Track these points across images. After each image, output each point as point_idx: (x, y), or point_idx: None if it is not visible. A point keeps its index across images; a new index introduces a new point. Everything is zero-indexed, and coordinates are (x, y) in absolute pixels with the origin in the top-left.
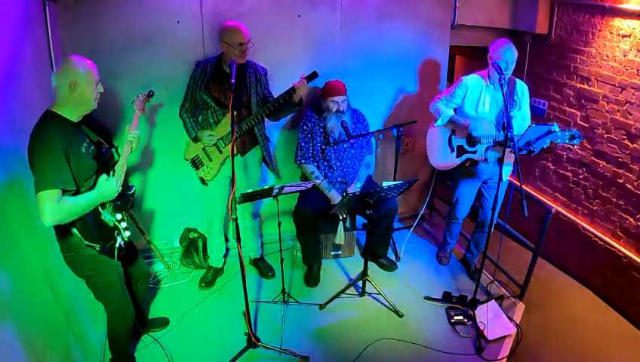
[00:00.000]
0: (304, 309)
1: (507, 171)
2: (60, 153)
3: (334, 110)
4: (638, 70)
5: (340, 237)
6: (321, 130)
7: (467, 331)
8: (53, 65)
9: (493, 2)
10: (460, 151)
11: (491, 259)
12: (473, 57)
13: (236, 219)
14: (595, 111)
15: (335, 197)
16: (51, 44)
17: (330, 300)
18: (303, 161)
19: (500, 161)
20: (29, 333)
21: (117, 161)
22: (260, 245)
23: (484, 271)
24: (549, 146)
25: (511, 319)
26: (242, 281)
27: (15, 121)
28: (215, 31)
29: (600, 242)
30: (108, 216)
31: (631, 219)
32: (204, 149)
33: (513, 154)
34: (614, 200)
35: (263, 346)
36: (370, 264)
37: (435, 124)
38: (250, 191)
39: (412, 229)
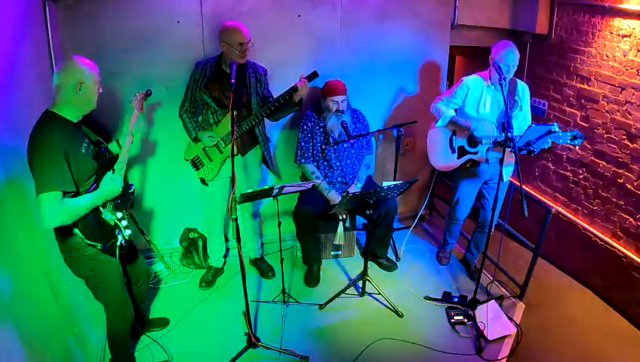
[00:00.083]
0: (304, 309)
1: (508, 172)
2: (60, 154)
3: (334, 110)
4: (638, 70)
5: (340, 237)
6: (321, 129)
7: (467, 331)
8: (53, 65)
9: (493, 2)
10: (461, 151)
11: (491, 259)
12: (473, 57)
13: (236, 219)
14: (595, 111)
15: (334, 198)
16: (51, 44)
17: (330, 300)
18: (303, 161)
19: (501, 162)
20: (29, 333)
21: (117, 155)
22: (260, 245)
23: (484, 271)
24: (550, 146)
25: (511, 319)
26: (242, 281)
27: (15, 120)
28: (215, 31)
29: (600, 242)
30: (109, 215)
31: (631, 219)
32: (204, 149)
33: (513, 155)
34: (614, 200)
35: (263, 346)
36: (370, 264)
37: (436, 125)
38: (250, 191)
39: (411, 229)
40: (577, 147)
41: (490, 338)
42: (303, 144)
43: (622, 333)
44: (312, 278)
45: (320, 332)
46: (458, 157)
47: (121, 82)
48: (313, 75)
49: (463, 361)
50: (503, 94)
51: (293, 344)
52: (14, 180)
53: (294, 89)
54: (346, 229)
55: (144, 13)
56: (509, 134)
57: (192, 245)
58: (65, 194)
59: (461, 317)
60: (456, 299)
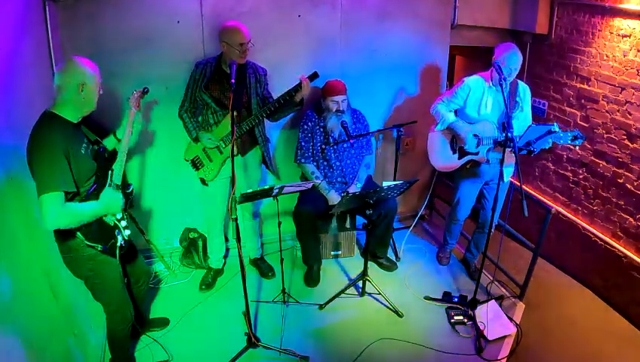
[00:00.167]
0: (304, 309)
1: (509, 172)
2: (61, 155)
3: (334, 110)
4: (638, 70)
5: (333, 230)
6: (322, 129)
7: (467, 331)
8: (53, 65)
9: (493, 2)
10: (462, 152)
11: (491, 259)
12: (473, 57)
13: (236, 219)
14: (595, 111)
15: (334, 198)
16: (51, 44)
17: (330, 300)
18: (303, 161)
19: (502, 162)
20: (29, 333)
21: (114, 150)
22: (260, 245)
23: (484, 271)
24: (550, 146)
25: (511, 319)
26: (242, 281)
27: (15, 120)
28: (215, 31)
29: (600, 242)
30: (108, 216)
31: (631, 219)
32: (204, 150)
33: (513, 155)
34: (614, 200)
35: (263, 346)
36: (370, 264)
37: (435, 128)
38: (250, 191)
39: (411, 229)
40: (578, 147)
41: (490, 338)
42: (303, 144)
43: (622, 333)
44: (312, 278)
45: (320, 332)
46: (459, 158)
47: (121, 82)
48: (313, 76)
49: (463, 361)
50: (504, 95)
51: (293, 344)
52: (14, 180)
53: (299, 86)
54: (346, 229)
55: (144, 14)
56: (509, 134)
57: (192, 245)
58: (67, 194)
59: (461, 317)
60: (456, 299)
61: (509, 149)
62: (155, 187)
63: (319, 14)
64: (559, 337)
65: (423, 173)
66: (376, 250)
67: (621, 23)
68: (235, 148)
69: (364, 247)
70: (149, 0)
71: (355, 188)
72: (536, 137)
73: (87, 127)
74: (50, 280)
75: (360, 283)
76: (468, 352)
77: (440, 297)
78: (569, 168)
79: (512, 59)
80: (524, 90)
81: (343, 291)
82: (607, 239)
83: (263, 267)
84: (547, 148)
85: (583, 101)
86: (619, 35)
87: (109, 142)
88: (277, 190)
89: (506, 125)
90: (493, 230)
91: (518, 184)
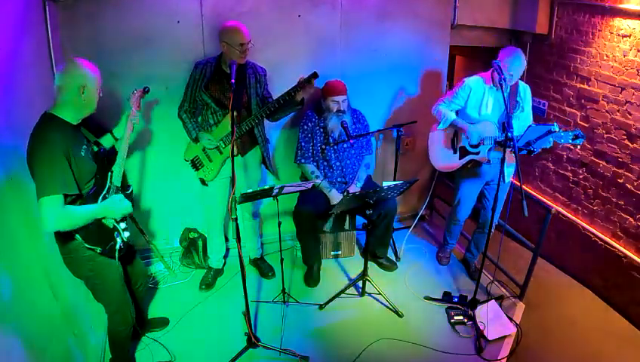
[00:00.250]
0: (304, 309)
1: (509, 173)
2: (62, 157)
3: (335, 110)
4: (638, 70)
5: (329, 225)
6: (322, 130)
7: (467, 331)
8: (54, 65)
9: (493, 2)
10: (463, 152)
11: (491, 259)
12: (473, 57)
13: (236, 219)
14: (595, 111)
15: (335, 197)
16: (51, 44)
17: (330, 300)
18: (303, 161)
19: (502, 162)
20: (29, 333)
21: (112, 149)
22: (260, 245)
23: (484, 271)
24: (551, 146)
25: (511, 319)
26: (242, 281)
27: (15, 120)
28: (215, 31)
29: (600, 242)
30: (107, 218)
31: (631, 219)
32: (203, 150)
33: (513, 155)
34: (614, 200)
35: (263, 346)
36: (370, 264)
37: (438, 128)
38: (250, 191)
39: (411, 229)
40: (579, 147)
41: (490, 338)
42: (303, 144)
43: (622, 333)
44: (312, 278)
45: (320, 332)
46: (460, 158)
47: (121, 82)
48: (313, 76)
49: (463, 361)
50: (503, 95)
51: (293, 344)
52: (14, 180)
53: (299, 87)
54: (346, 229)
55: (144, 14)
56: (508, 134)
57: (192, 245)
58: (66, 197)
59: (461, 317)
60: (456, 299)
61: (509, 149)
62: (155, 187)
63: (319, 14)
64: (559, 337)
65: (422, 173)
66: (376, 250)
67: (621, 23)
68: (234, 149)
69: (364, 247)
70: (149, 0)
71: (355, 188)
72: (536, 137)
73: (86, 128)
74: (50, 280)
75: (360, 283)
76: (468, 352)
77: (440, 297)
78: (569, 168)
79: (514, 64)
80: (524, 90)
81: (343, 291)
82: (607, 239)
83: (263, 267)
84: (548, 147)
85: (583, 101)
86: (619, 35)
87: (106, 141)
88: (277, 190)
89: (506, 125)
90: (493, 230)
91: (518, 184)
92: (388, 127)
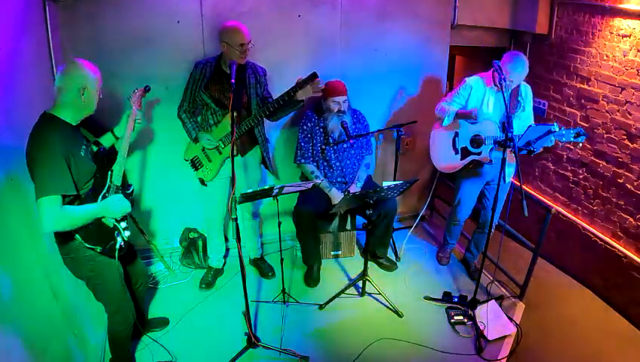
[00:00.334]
0: (304, 309)
1: (510, 173)
2: (61, 158)
3: (335, 110)
4: (638, 70)
5: (335, 226)
6: (321, 130)
7: (467, 331)
8: (54, 65)
9: (493, 2)
10: (464, 152)
11: (491, 259)
12: (473, 57)
13: (236, 219)
14: (595, 111)
15: (336, 195)
16: (51, 44)
17: (330, 300)
18: (302, 161)
19: (504, 162)
20: (29, 333)
21: (112, 149)
22: (259, 245)
23: (484, 271)
24: (552, 145)
25: (511, 319)
26: (242, 281)
27: (15, 120)
28: (215, 31)
29: (600, 242)
30: (107, 217)
31: (631, 219)
32: (203, 150)
33: (513, 154)
34: (614, 200)
35: (263, 346)
36: (370, 264)
37: (443, 124)
38: (250, 191)
39: (411, 230)
40: (581, 144)
41: (490, 338)
42: (302, 144)
43: (622, 333)
44: (312, 278)
45: (320, 332)
46: (461, 159)
47: (122, 82)
48: (312, 77)
49: (463, 361)
50: (503, 95)
51: (293, 344)
52: (14, 180)
53: (298, 87)
54: (346, 229)
55: (144, 14)
56: (508, 134)
57: (192, 245)
58: (65, 197)
59: (461, 317)
60: (456, 299)
61: (509, 149)
62: (155, 187)
63: (319, 14)
64: (559, 337)
65: (422, 173)
66: (376, 250)
67: (621, 23)
68: (234, 149)
69: (364, 247)
70: (149, 0)
71: (355, 188)
72: (536, 137)
73: (86, 128)
74: (50, 280)
75: (360, 283)
76: (468, 352)
77: (440, 297)
78: (569, 168)
79: (515, 71)
80: (525, 89)
81: (343, 291)
82: (607, 239)
83: (263, 267)
84: (550, 146)
85: (583, 101)
86: (619, 35)
87: (107, 140)
88: (277, 190)
89: (506, 125)
90: (493, 230)
91: (518, 184)
92: (388, 127)
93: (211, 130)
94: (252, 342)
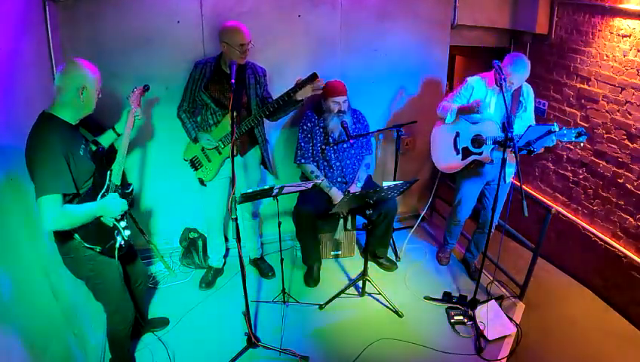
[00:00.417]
0: (304, 309)
1: (510, 173)
2: (61, 157)
3: (336, 110)
4: (638, 70)
5: (340, 233)
6: (321, 130)
7: (467, 331)
8: (54, 65)
9: (493, 2)
10: (465, 153)
11: (491, 259)
12: (473, 57)
13: (236, 219)
14: (595, 111)
15: (336, 195)
16: (51, 44)
17: (330, 300)
18: (302, 161)
19: (504, 162)
20: (29, 333)
21: (111, 148)
22: (259, 245)
23: (484, 271)
24: (554, 144)
25: (511, 319)
26: (242, 281)
27: (15, 120)
28: (215, 31)
29: (600, 242)
30: (106, 217)
31: (631, 219)
32: (202, 150)
33: (513, 154)
34: (614, 200)
35: (263, 346)
36: (370, 264)
37: (446, 121)
38: (250, 191)
39: (412, 231)
40: (582, 144)
41: (490, 338)
42: (302, 144)
43: (622, 333)
44: (312, 278)
45: (320, 332)
46: (462, 159)
47: (122, 82)
48: (312, 77)
49: (463, 361)
50: (503, 95)
51: (293, 344)
52: (14, 180)
53: (298, 88)
54: (346, 229)
55: (144, 14)
56: (509, 134)
57: (192, 245)
58: (65, 196)
59: (461, 317)
60: (456, 299)
61: (510, 149)
62: (155, 187)
63: (319, 14)
64: (559, 337)
65: (422, 173)
66: (376, 250)
67: (621, 23)
68: (234, 149)
69: (364, 247)
70: (149, 0)
71: (355, 187)
72: (536, 137)
73: (86, 127)
74: (50, 280)
75: (360, 283)
76: (468, 352)
77: (440, 297)
78: (569, 168)
79: (516, 72)
80: (527, 90)
81: (343, 291)
82: (607, 239)
83: (263, 267)
84: (551, 146)
85: (583, 101)
86: (619, 35)
87: (107, 138)
88: (277, 190)
89: (506, 125)
90: (493, 230)
91: (518, 184)
92: (388, 127)
93: (211, 130)
94: (252, 342)
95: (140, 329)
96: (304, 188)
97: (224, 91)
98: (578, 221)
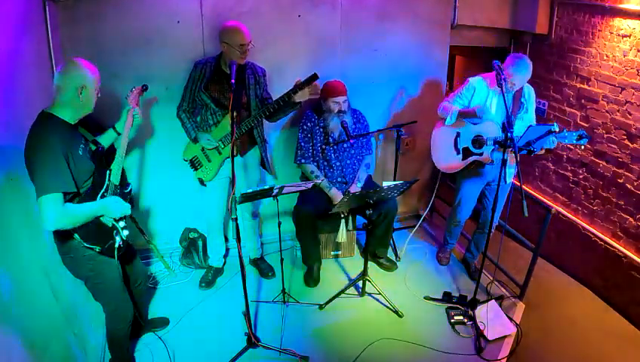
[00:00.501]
0: (304, 309)
1: (511, 173)
2: (60, 156)
3: (336, 110)
4: (638, 70)
5: (342, 235)
6: (321, 129)
7: (467, 331)
8: (54, 65)
9: (493, 2)
10: (466, 153)
11: (491, 259)
12: (473, 57)
13: (236, 219)
14: (595, 111)
15: (336, 195)
16: (51, 44)
17: (330, 300)
18: (302, 161)
19: (504, 162)
20: (29, 333)
21: (110, 148)
22: (259, 245)
23: (484, 271)
24: (554, 147)
25: (511, 319)
26: (242, 281)
27: (15, 120)
28: (215, 31)
29: (600, 242)
30: (105, 216)
31: (631, 219)
32: (202, 150)
33: (513, 155)
34: (614, 200)
35: (263, 346)
36: (370, 264)
37: (446, 123)
38: (250, 191)
39: (414, 231)
40: (583, 147)
41: (490, 338)
42: (302, 144)
43: (622, 333)
44: (312, 278)
45: (320, 332)
46: (463, 159)
47: (122, 82)
48: (313, 78)
49: (463, 361)
50: (503, 94)
51: (293, 344)
52: (14, 180)
53: (297, 89)
54: (347, 229)
55: (144, 14)
56: (509, 134)
57: (192, 245)
58: (65, 195)
59: (461, 317)
60: (456, 299)
61: (510, 149)
62: (155, 187)
63: (319, 14)
64: (559, 337)
65: (422, 173)
66: (376, 250)
67: (621, 23)
68: (234, 149)
69: (364, 247)
70: (149, 0)
71: (355, 187)
72: (536, 137)
73: (85, 127)
74: (50, 280)
75: (360, 283)
76: (468, 352)
77: (440, 297)
78: (569, 168)
79: (518, 73)
80: (529, 91)
81: (343, 291)
82: (607, 239)
83: (262, 267)
84: (552, 148)
85: (583, 101)
86: (619, 35)
87: (107, 137)
88: (277, 190)
89: (506, 125)
90: (493, 230)
91: (518, 184)
92: (388, 127)
93: (210, 130)
94: (252, 342)
95: (139, 328)
96: (304, 188)
97: (224, 91)
98: (578, 221)
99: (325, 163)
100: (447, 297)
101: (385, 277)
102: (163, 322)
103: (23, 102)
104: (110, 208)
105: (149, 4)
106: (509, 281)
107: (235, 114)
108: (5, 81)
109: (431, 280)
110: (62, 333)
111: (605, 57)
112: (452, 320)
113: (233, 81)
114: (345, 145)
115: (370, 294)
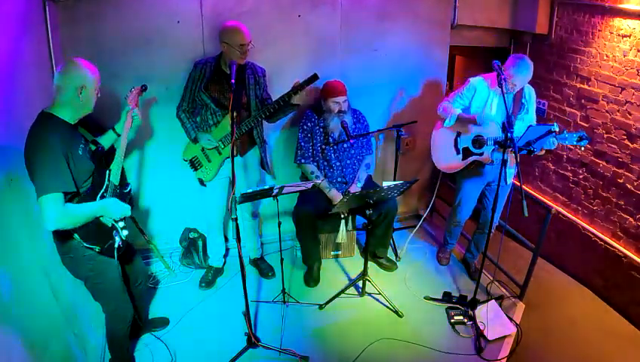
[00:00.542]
0: (304, 309)
1: (511, 173)
2: (60, 156)
3: (336, 110)
4: (638, 70)
5: (342, 236)
6: (321, 129)
7: (467, 331)
8: (54, 65)
9: (493, 2)
10: (466, 153)
11: (491, 259)
12: (473, 57)
13: (236, 219)
14: (595, 111)
15: (336, 196)
16: (51, 44)
17: (330, 300)
18: (303, 161)
19: (504, 162)
20: (29, 333)
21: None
22: (259, 245)
23: (484, 271)
24: (555, 147)
25: (511, 319)
26: (242, 281)
27: (15, 121)
28: (215, 31)
29: (600, 242)
30: (105, 216)
31: (631, 219)
32: (202, 150)
33: (513, 155)
34: (614, 200)
35: (263, 346)
36: (370, 264)
37: (445, 124)
38: (250, 191)
39: (414, 231)
40: (583, 148)
41: (490, 338)
42: (302, 144)
43: (622, 333)
44: (312, 278)
45: (320, 332)
46: (463, 159)
47: (122, 82)
48: (313, 78)
49: (463, 361)
50: (504, 95)
51: (293, 344)
52: (14, 180)
53: (297, 89)
54: (347, 230)
55: (144, 14)
56: (508, 134)
57: (192, 245)
58: (66, 195)
59: (461, 317)
60: (456, 299)
61: (510, 149)
62: (155, 187)
63: (319, 14)
64: (559, 337)
65: (422, 173)
66: (376, 250)
67: (621, 23)
68: (234, 149)
69: (364, 247)
70: (149, 0)
71: (355, 187)
72: (536, 137)
73: (85, 127)
74: (50, 280)
75: (360, 283)
76: (468, 352)
77: (440, 297)
78: (569, 168)
79: (519, 74)
80: (529, 92)
81: (343, 291)
82: (607, 239)
83: (262, 267)
84: (552, 149)
85: (583, 101)
86: (619, 35)
87: (107, 138)
88: (277, 190)
89: (506, 125)
90: (493, 230)
91: (518, 184)
92: (388, 127)
93: (210, 130)
94: (252, 342)
95: (139, 329)
96: (304, 188)
97: (224, 91)
98: (578, 221)
99: (325, 163)
100: (447, 297)
101: (385, 277)
102: (163, 322)
103: (23, 102)
104: (109, 209)
105: (149, 4)
106: (509, 281)
107: (235, 114)
108: (5, 81)
109: (431, 280)
110: (62, 333)
111: (605, 57)
112: (452, 320)
113: (233, 81)
114: (345, 145)
115: (370, 294)
